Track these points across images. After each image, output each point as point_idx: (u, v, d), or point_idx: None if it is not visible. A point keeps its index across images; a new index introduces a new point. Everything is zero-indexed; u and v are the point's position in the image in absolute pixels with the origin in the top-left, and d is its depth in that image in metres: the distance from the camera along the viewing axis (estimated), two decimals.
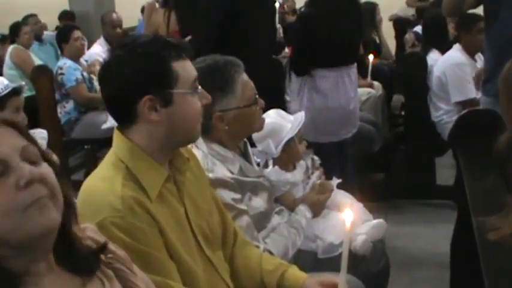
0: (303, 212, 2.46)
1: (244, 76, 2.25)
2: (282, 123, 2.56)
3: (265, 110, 2.45)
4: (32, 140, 1.23)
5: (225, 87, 2.20)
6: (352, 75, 4.07)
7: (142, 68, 1.62)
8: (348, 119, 4.07)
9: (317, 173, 2.65)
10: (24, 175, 1.15)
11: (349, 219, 1.59)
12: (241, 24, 3.54)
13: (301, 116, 2.60)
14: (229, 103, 2.21)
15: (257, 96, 2.28)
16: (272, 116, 2.56)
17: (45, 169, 1.20)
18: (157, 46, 1.65)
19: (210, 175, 2.09)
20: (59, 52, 5.87)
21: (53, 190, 1.19)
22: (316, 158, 2.72)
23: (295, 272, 1.99)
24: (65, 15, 8.18)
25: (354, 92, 4.08)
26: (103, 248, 1.33)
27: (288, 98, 5.02)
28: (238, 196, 2.19)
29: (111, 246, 1.38)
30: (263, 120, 2.36)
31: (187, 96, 1.69)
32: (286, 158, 2.56)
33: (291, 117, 2.59)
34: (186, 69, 1.70)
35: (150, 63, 1.63)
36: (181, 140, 1.76)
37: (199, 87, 1.74)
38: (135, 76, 1.63)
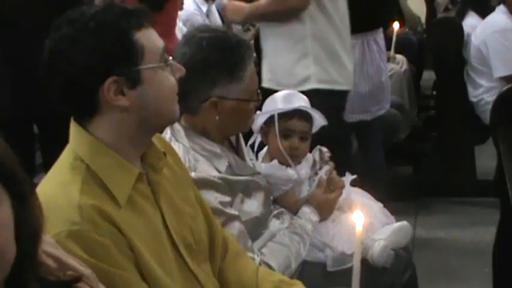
0: (308, 214, 2.47)
1: (253, 65, 2.29)
2: (277, 98, 2.58)
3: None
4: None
5: (235, 71, 2.23)
6: (380, 42, 4.17)
7: (99, 46, 1.62)
8: (380, 92, 4.15)
9: (326, 167, 2.65)
10: None
11: (360, 222, 1.60)
12: None
13: (318, 119, 2.62)
14: (232, 91, 2.23)
15: (258, 92, 2.32)
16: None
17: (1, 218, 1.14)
18: (112, 16, 1.65)
19: (193, 174, 2.10)
20: None
21: (1, 248, 1.13)
22: (324, 149, 2.71)
23: None
24: None
25: (384, 62, 4.18)
26: (76, 280, 1.32)
27: None
28: (227, 199, 2.20)
29: (71, 261, 1.39)
30: (252, 120, 2.40)
31: (157, 71, 1.70)
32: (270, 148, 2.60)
33: (297, 103, 2.58)
34: (151, 39, 1.70)
35: (108, 38, 1.63)
36: (157, 125, 1.78)
37: (170, 58, 1.75)
38: (92, 57, 1.62)
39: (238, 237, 2.15)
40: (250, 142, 2.63)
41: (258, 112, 2.56)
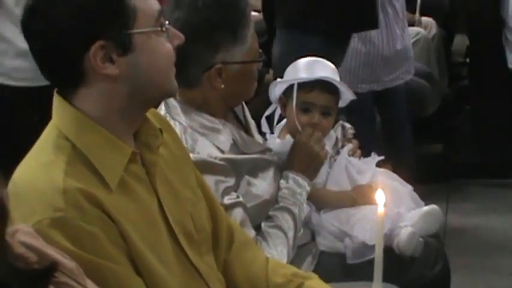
0: (295, 179, 2.42)
1: (253, 22, 2.29)
2: (299, 66, 2.58)
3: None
4: None
5: (238, 31, 2.23)
6: (397, 4, 4.20)
7: (85, 5, 1.61)
8: (394, 61, 4.18)
9: (349, 146, 2.65)
10: None
11: (381, 202, 1.59)
12: None
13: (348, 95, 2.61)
14: (236, 54, 2.24)
15: (260, 51, 2.33)
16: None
17: None
18: None
19: (191, 156, 2.10)
20: None
21: None
22: (348, 125, 2.71)
23: (314, 286, 1.99)
24: None
25: (401, 28, 4.20)
26: (51, 269, 1.31)
27: None
28: (230, 182, 2.21)
29: (53, 252, 1.39)
30: (255, 85, 2.39)
31: (151, 36, 1.69)
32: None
33: (320, 73, 2.56)
34: (146, 0, 1.69)
35: None
36: (151, 98, 1.76)
37: (167, 22, 1.74)
38: (76, 18, 1.61)
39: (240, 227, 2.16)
40: (267, 113, 2.62)
41: (278, 79, 2.56)
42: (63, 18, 1.61)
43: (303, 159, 2.44)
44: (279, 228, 2.32)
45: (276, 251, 2.27)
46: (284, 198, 2.38)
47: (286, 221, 2.34)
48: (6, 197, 1.21)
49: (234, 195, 2.21)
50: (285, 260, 2.27)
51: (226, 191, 2.19)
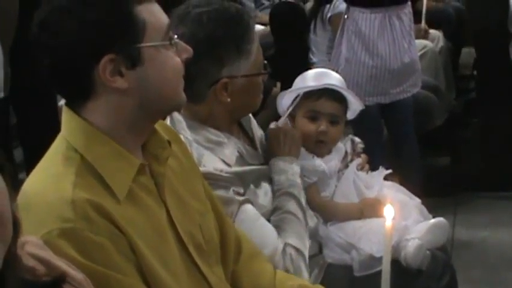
0: (282, 163, 2.41)
1: (257, 35, 2.31)
2: (307, 76, 2.59)
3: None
4: None
5: (242, 45, 2.24)
6: (404, 18, 4.18)
7: (95, 19, 1.62)
8: (402, 74, 4.18)
9: (358, 160, 2.65)
10: None
11: (389, 216, 1.60)
12: None
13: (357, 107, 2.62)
14: (241, 68, 2.25)
15: (265, 62, 2.34)
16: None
17: None
18: None
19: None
20: None
21: (1, 220, 1.16)
22: (357, 139, 2.71)
23: None
24: None
25: (408, 41, 4.20)
26: (60, 280, 1.32)
27: (313, 58, 5.05)
28: (239, 190, 2.22)
29: (62, 264, 1.39)
30: (261, 97, 2.40)
31: (160, 50, 1.70)
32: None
33: (327, 82, 2.58)
34: (155, 14, 1.71)
35: (105, 10, 1.63)
36: (159, 111, 1.78)
37: (176, 36, 1.75)
38: (86, 31, 1.62)
39: (254, 221, 2.18)
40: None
41: (284, 97, 2.58)
42: (73, 32, 1.63)
43: (279, 141, 2.43)
44: (286, 212, 2.31)
45: (292, 234, 2.27)
46: (279, 186, 2.36)
47: (288, 202, 2.33)
48: (16, 209, 1.23)
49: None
50: (306, 240, 2.30)
51: (236, 192, 2.20)
